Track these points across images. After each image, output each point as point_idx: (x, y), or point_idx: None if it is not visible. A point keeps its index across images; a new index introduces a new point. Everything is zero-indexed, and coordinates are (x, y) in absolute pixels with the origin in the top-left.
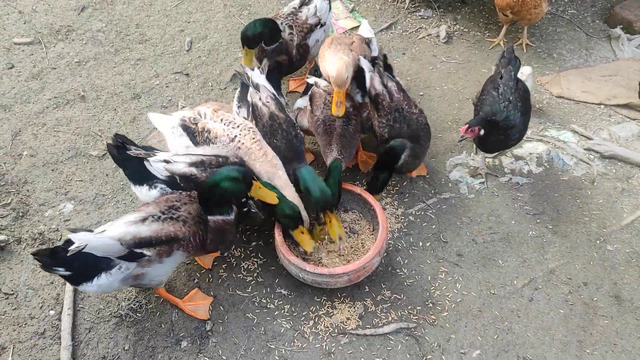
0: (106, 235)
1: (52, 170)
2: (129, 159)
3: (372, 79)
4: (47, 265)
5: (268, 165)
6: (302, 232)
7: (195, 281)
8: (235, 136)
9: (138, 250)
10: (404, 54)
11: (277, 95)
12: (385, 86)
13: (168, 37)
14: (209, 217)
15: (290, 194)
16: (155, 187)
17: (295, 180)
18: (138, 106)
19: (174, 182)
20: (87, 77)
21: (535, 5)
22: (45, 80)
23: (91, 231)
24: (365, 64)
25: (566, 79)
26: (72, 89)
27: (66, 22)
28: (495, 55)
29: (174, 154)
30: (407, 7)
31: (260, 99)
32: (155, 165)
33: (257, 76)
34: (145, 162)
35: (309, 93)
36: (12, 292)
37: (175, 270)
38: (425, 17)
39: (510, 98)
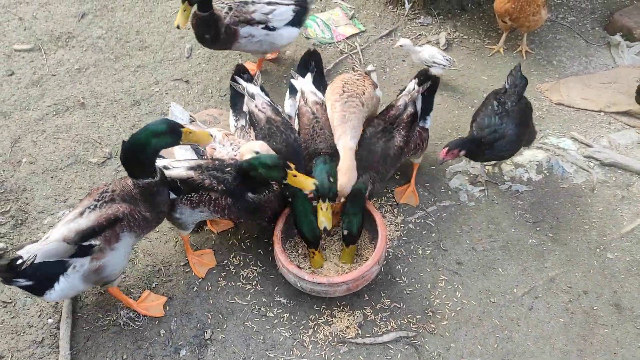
0: (50, 239)
1: (52, 177)
2: None
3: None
4: (8, 280)
5: None
6: (295, 175)
7: (195, 289)
8: None
9: (86, 243)
10: (403, 60)
11: (273, 102)
12: None
13: (168, 44)
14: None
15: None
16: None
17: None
18: (138, 113)
19: (176, 186)
20: (87, 84)
21: (534, 12)
22: (45, 87)
23: (35, 241)
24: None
25: (566, 86)
26: (72, 95)
27: (66, 29)
28: (495, 63)
29: (174, 160)
30: (406, 14)
31: (256, 106)
32: None
33: (252, 87)
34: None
35: (296, 109)
36: (10, 301)
37: (172, 279)
38: (425, 24)
39: (505, 111)
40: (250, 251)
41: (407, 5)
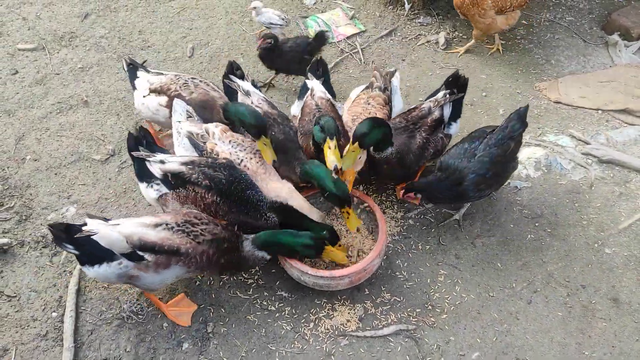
0: (117, 229)
1: (55, 174)
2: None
3: None
4: (59, 240)
5: (276, 183)
6: (332, 251)
7: (197, 284)
8: (242, 160)
9: (140, 253)
10: (403, 60)
11: (267, 98)
12: None
13: (170, 43)
14: (254, 253)
15: (305, 207)
16: (152, 186)
17: (300, 174)
18: None
19: (167, 180)
20: (90, 82)
21: (480, 14)
22: (48, 86)
23: (107, 220)
24: None
25: (564, 84)
26: (76, 94)
27: (70, 29)
28: (494, 62)
29: (170, 155)
30: (406, 14)
31: (252, 102)
32: (154, 165)
33: (247, 84)
34: (147, 162)
35: (303, 101)
36: (14, 295)
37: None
38: (425, 24)
39: (480, 153)
40: None
41: (407, 6)
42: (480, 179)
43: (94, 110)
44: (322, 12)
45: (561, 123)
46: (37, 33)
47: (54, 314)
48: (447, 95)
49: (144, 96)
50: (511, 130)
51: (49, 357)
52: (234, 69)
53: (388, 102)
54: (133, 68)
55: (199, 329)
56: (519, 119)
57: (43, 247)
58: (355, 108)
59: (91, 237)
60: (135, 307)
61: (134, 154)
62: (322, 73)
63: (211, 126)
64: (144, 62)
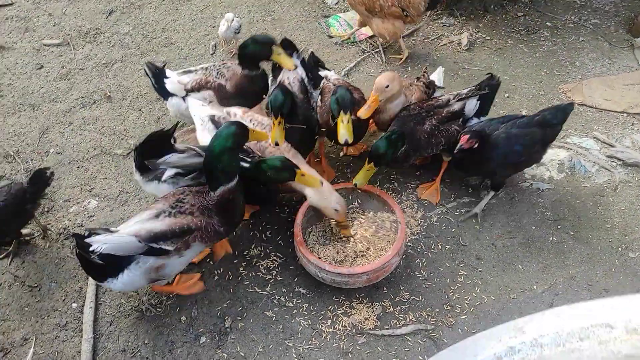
0: (125, 232)
1: (78, 167)
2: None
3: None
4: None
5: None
6: (303, 175)
7: (215, 278)
8: (261, 145)
9: (156, 246)
10: (425, 60)
11: (305, 79)
12: None
13: (193, 40)
14: (223, 191)
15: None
16: (166, 182)
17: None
18: (162, 107)
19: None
20: (114, 78)
21: (371, 8)
22: (73, 81)
23: (106, 229)
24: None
25: (588, 87)
26: (99, 89)
27: (94, 25)
28: (517, 63)
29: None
30: (429, 14)
31: (288, 77)
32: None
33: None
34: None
35: (320, 86)
36: (35, 285)
37: (194, 267)
38: (448, 25)
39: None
40: (271, 242)
41: None
42: (509, 150)
43: (117, 106)
44: (343, 11)
45: (585, 125)
46: (63, 29)
47: (74, 305)
48: (472, 91)
49: (183, 97)
50: (542, 118)
51: (68, 347)
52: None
53: (428, 95)
54: (158, 73)
55: (217, 324)
56: (555, 110)
57: (64, 239)
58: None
59: (102, 252)
60: (154, 300)
61: (147, 162)
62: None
63: (233, 108)
64: (164, 65)
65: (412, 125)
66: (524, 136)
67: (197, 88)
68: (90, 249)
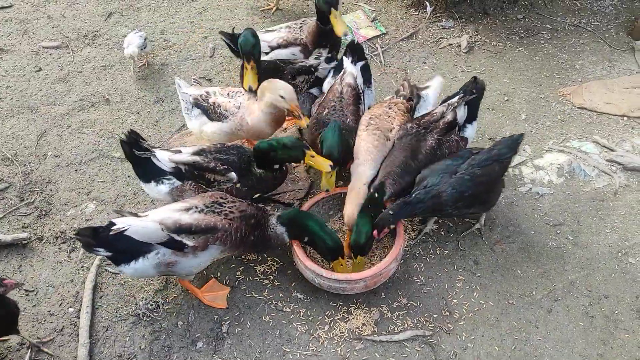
0: (150, 218)
1: (76, 170)
2: (139, 157)
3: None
4: (89, 246)
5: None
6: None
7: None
8: (241, 103)
9: (178, 238)
10: (424, 63)
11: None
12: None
13: (192, 43)
14: (276, 228)
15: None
16: (163, 182)
17: None
18: (160, 110)
19: (179, 172)
20: (112, 80)
21: None
22: (71, 83)
23: (137, 215)
24: None
25: (588, 90)
26: (97, 92)
27: (93, 28)
28: (517, 66)
29: (177, 148)
30: (428, 17)
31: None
32: (161, 157)
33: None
34: (152, 157)
35: (332, 83)
36: (32, 289)
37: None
38: (447, 27)
39: (462, 171)
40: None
41: (429, 9)
42: (459, 195)
43: (115, 108)
44: (343, 14)
45: (585, 129)
46: (61, 31)
47: (71, 310)
48: (461, 97)
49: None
50: (497, 154)
51: (64, 352)
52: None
53: (410, 111)
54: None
55: (214, 329)
56: (509, 145)
57: (62, 243)
58: (376, 110)
59: (123, 233)
60: (151, 305)
61: (139, 153)
62: (359, 59)
63: (212, 88)
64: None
65: (414, 143)
66: (478, 178)
67: (284, 45)
68: (114, 227)
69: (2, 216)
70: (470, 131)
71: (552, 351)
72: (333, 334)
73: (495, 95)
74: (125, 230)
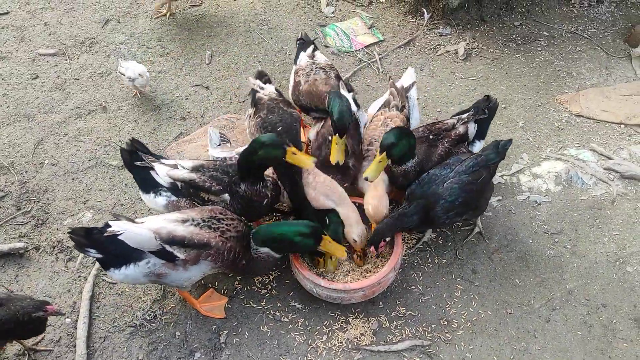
0: (145, 226)
1: (72, 179)
2: (138, 167)
3: None
4: (81, 245)
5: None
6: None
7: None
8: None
9: (169, 249)
10: (422, 70)
11: (280, 94)
12: None
13: (189, 50)
14: (258, 252)
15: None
16: (161, 194)
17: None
18: (158, 117)
19: (176, 188)
20: (109, 88)
21: None
22: (68, 91)
23: (133, 221)
24: None
25: (585, 97)
26: (94, 99)
27: (90, 35)
28: (514, 74)
29: (177, 161)
30: (425, 24)
31: (263, 94)
32: (160, 172)
33: (266, 85)
34: (151, 171)
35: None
36: None
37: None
38: (444, 34)
39: (450, 180)
40: None
41: (426, 16)
42: (449, 206)
43: (112, 116)
44: (340, 20)
45: (582, 137)
46: (58, 38)
47: (68, 320)
48: (471, 115)
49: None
50: (485, 159)
51: None
52: (261, 76)
53: (406, 120)
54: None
55: (211, 339)
56: (496, 149)
57: (59, 252)
58: (373, 132)
59: (117, 237)
60: (149, 315)
61: (139, 163)
62: (349, 90)
63: (241, 148)
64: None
65: (426, 148)
66: (467, 185)
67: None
68: (109, 229)
69: None
70: (478, 147)
71: None
72: (331, 344)
73: None
74: (120, 234)
